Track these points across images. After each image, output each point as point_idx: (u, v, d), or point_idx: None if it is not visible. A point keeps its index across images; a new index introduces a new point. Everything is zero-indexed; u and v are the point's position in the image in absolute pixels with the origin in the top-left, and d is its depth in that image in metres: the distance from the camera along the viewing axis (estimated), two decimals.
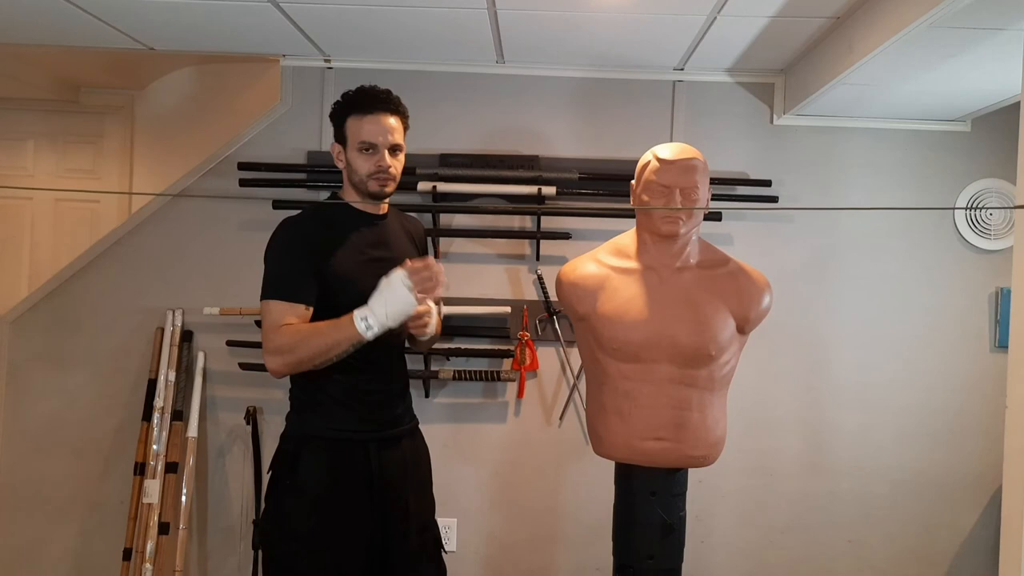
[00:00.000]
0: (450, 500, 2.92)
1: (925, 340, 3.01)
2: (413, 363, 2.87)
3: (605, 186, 2.93)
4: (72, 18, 2.52)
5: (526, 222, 2.98)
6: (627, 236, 2.14)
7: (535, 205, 2.91)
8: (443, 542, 2.17)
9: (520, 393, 2.99)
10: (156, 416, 2.87)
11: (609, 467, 2.14)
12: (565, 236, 2.95)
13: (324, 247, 1.93)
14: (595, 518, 2.73)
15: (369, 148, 1.95)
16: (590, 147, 3.00)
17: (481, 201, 2.93)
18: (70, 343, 2.99)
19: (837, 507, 3.02)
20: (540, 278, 2.96)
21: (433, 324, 2.00)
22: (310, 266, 1.91)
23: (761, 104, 3.00)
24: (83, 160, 3.98)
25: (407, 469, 2.04)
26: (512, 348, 2.95)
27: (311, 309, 1.90)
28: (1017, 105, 1.76)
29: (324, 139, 2.96)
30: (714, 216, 2.91)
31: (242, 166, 2.94)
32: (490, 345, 2.97)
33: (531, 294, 2.99)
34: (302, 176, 2.94)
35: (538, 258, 2.97)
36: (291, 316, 1.88)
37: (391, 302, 1.81)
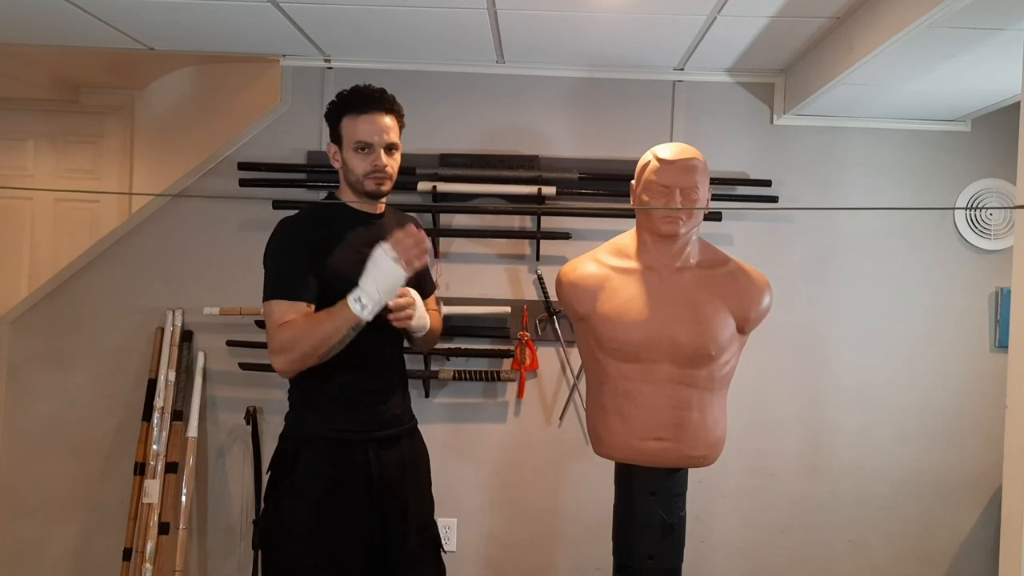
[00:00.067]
0: (450, 500, 2.92)
1: (925, 340, 3.01)
2: (413, 363, 2.88)
3: (605, 186, 2.93)
4: (72, 18, 2.52)
5: (526, 222, 2.98)
6: (627, 236, 2.14)
7: (535, 205, 2.91)
8: (443, 542, 2.17)
9: (520, 393, 2.99)
10: (156, 416, 2.87)
11: (609, 467, 2.14)
12: (565, 236, 2.95)
13: (322, 247, 1.93)
14: (595, 518, 2.73)
15: (365, 148, 1.95)
16: (590, 147, 3.00)
17: (481, 201, 2.93)
18: (70, 343, 2.99)
19: (837, 507, 3.02)
20: (540, 278, 2.96)
21: (420, 316, 1.97)
22: (309, 265, 1.91)
23: (761, 104, 3.00)
24: (83, 160, 3.98)
25: (406, 469, 2.04)
26: (512, 348, 2.95)
27: (312, 307, 1.90)
28: (1017, 105, 1.76)
29: (324, 139, 2.94)
30: (714, 216, 2.91)
31: (242, 166, 2.94)
32: (490, 345, 2.97)
33: (531, 294, 2.99)
34: (302, 176, 2.95)
35: (538, 258, 2.97)
36: (293, 315, 1.88)
37: (380, 277, 1.81)
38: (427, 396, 2.98)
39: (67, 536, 2.99)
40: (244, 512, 2.99)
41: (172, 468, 2.86)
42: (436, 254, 2.95)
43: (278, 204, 2.84)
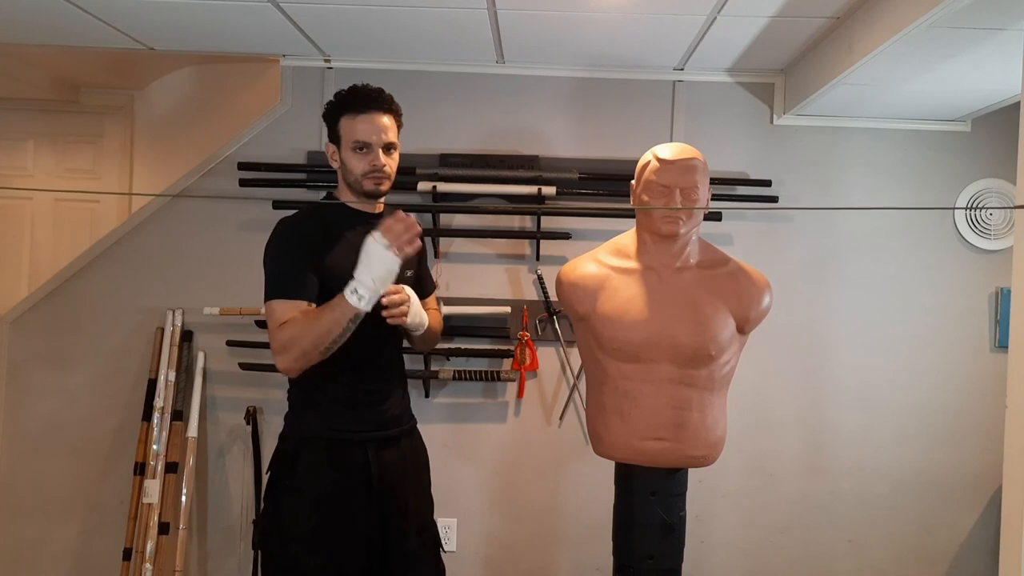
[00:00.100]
0: (450, 500, 2.92)
1: (925, 340, 3.01)
2: (413, 363, 2.88)
3: (605, 186, 2.93)
4: (72, 18, 2.52)
5: (526, 222, 2.98)
6: (627, 236, 2.14)
7: (535, 205, 2.91)
8: (443, 542, 2.17)
9: (520, 393, 2.99)
10: (156, 416, 2.87)
11: (609, 467, 2.14)
12: (565, 236, 2.95)
13: (321, 246, 1.93)
14: (595, 518, 2.73)
15: (363, 147, 1.95)
16: (590, 147, 3.00)
17: (481, 201, 2.93)
18: (70, 343, 2.99)
19: (837, 507, 3.02)
20: (540, 278, 2.96)
21: (415, 314, 1.97)
22: (309, 264, 1.91)
23: (761, 104, 3.00)
24: (83, 160, 3.97)
25: (406, 469, 2.04)
26: (512, 348, 2.95)
27: (313, 305, 1.90)
28: (1017, 105, 1.76)
29: (324, 139, 2.92)
30: (714, 216, 2.91)
31: (242, 166, 2.94)
32: (490, 345, 2.97)
33: (531, 294, 2.99)
34: (302, 176, 2.94)
35: (538, 258, 2.97)
36: (294, 314, 1.88)
37: (373, 266, 1.81)
38: (427, 396, 2.98)
39: (67, 536, 2.99)
40: (244, 512, 2.99)
41: (172, 468, 2.86)
42: (436, 254, 2.95)
43: (278, 204, 2.84)
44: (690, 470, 2.09)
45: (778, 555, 3.02)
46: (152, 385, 2.91)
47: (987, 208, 2.98)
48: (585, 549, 2.97)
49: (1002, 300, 2.98)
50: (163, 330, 2.95)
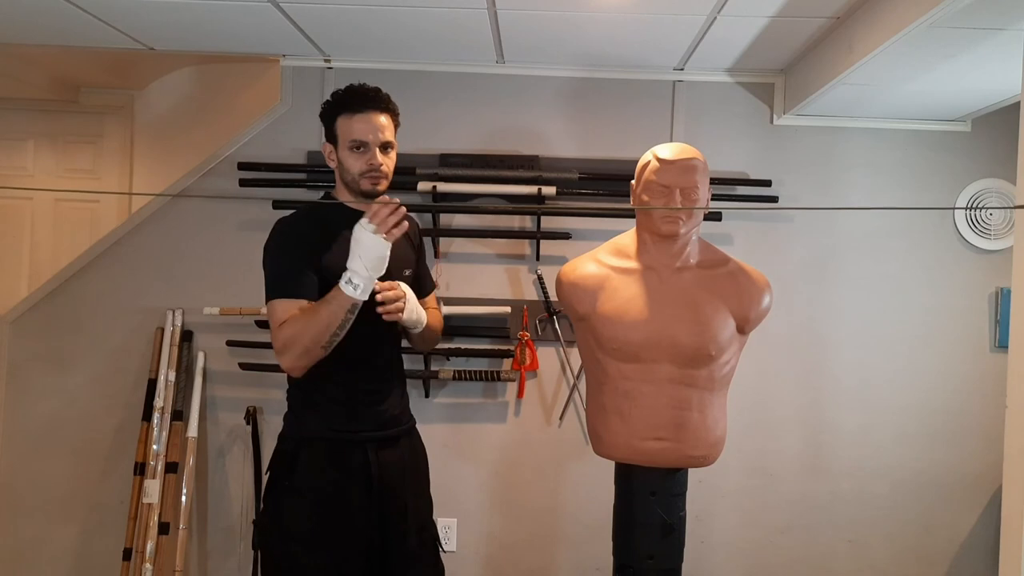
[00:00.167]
0: (450, 500, 2.92)
1: (925, 340, 3.01)
2: (413, 363, 2.88)
3: (605, 186, 2.93)
4: (72, 18, 2.52)
5: (526, 222, 2.98)
6: (627, 236, 2.14)
7: (535, 205, 2.91)
8: (442, 542, 2.17)
9: (520, 393, 2.99)
10: (156, 416, 2.87)
11: (609, 467, 2.13)
12: (565, 236, 2.95)
13: (319, 246, 1.93)
14: (595, 518, 2.73)
15: (360, 146, 1.94)
16: (590, 147, 3.00)
17: (481, 201, 2.93)
18: (70, 343, 2.99)
19: (837, 507, 3.02)
20: (540, 278, 2.96)
21: (412, 310, 1.97)
22: (308, 263, 1.91)
23: (761, 104, 3.00)
24: (83, 160, 3.97)
25: (406, 469, 2.04)
26: (512, 348, 2.95)
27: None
28: (1017, 105, 1.76)
29: (323, 139, 2.95)
30: (714, 216, 2.91)
31: (242, 166, 2.94)
32: (490, 345, 2.97)
33: (531, 294, 2.99)
34: (302, 176, 2.94)
35: (538, 258, 2.97)
36: (294, 312, 1.88)
37: (364, 253, 1.81)
38: (427, 396, 2.98)
39: (67, 536, 2.99)
40: (244, 512, 2.99)
41: (172, 468, 2.86)
42: (436, 254, 2.95)
43: (278, 204, 2.84)
44: (690, 470, 2.09)
45: (778, 555, 3.02)
46: (152, 385, 2.91)
47: (987, 208, 2.98)
48: (585, 549, 2.97)
49: (1002, 300, 2.98)
50: (163, 330, 2.95)
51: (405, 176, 2.86)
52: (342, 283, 1.81)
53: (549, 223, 2.95)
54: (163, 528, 2.82)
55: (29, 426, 2.98)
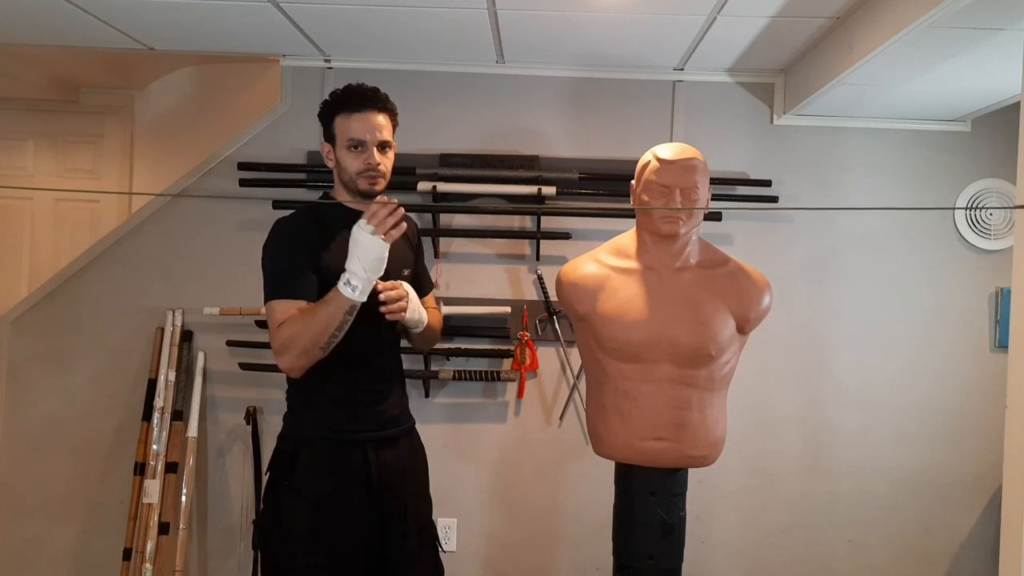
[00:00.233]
0: (450, 500, 2.92)
1: (925, 340, 3.01)
2: (413, 363, 2.89)
3: (605, 186, 2.93)
4: (72, 18, 2.52)
5: (526, 222, 2.98)
6: (627, 236, 2.14)
7: (535, 205, 2.91)
8: (442, 542, 2.17)
9: (520, 393, 2.99)
10: (156, 416, 2.87)
11: (609, 467, 2.13)
12: (565, 236, 2.94)
13: (318, 246, 1.93)
14: (595, 518, 2.73)
15: (358, 146, 1.94)
16: (590, 147, 3.00)
17: (481, 201, 2.93)
18: (70, 343, 2.99)
19: (837, 507, 3.02)
20: (540, 278, 2.96)
21: (413, 310, 1.97)
22: (307, 263, 1.91)
23: (761, 104, 3.00)
24: (83, 160, 3.97)
25: (405, 469, 2.04)
26: (512, 348, 2.95)
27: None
28: (1017, 105, 1.76)
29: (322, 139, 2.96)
30: (714, 216, 2.91)
31: (242, 166, 2.94)
32: (490, 345, 2.97)
33: (531, 294, 2.99)
34: (302, 176, 2.94)
35: (538, 258, 2.97)
36: (293, 312, 1.88)
37: (362, 254, 1.81)
38: (427, 396, 2.98)
39: (67, 536, 2.99)
40: (244, 512, 2.99)
41: (172, 468, 2.86)
42: (436, 254, 2.95)
43: (278, 204, 2.84)
44: (690, 470, 2.09)
45: (778, 555, 3.02)
46: (152, 385, 2.91)
47: (987, 208, 2.98)
48: (585, 549, 2.97)
49: (1002, 300, 2.98)
50: (163, 330, 2.95)
51: (405, 176, 2.86)
52: (340, 284, 1.81)
53: (549, 223, 2.95)
54: (163, 528, 2.82)
55: (29, 426, 2.99)
